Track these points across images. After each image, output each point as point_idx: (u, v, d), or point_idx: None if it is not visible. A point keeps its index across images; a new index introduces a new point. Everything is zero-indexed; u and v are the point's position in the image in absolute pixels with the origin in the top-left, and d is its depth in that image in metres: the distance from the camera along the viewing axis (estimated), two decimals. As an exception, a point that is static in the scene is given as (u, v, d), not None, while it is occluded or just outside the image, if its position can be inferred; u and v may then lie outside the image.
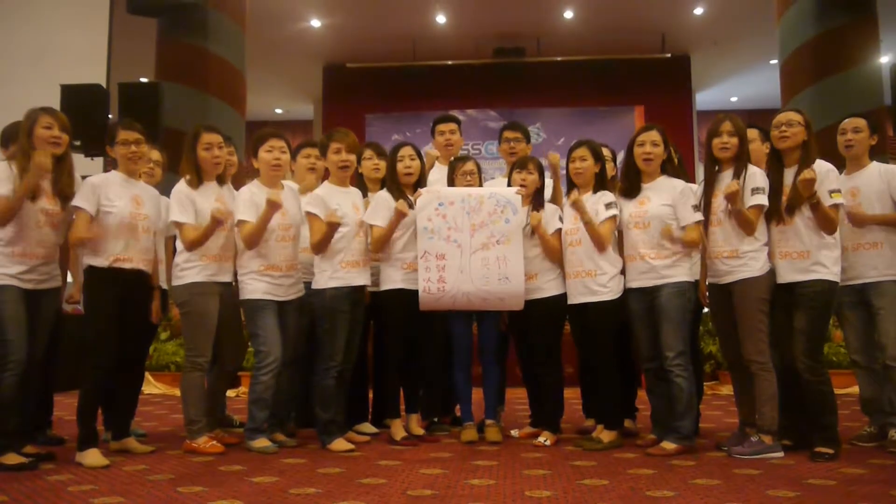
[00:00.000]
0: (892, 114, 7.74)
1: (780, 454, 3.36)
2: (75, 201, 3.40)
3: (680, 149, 4.04)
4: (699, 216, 3.54)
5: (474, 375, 4.02)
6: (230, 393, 5.66)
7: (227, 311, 3.72)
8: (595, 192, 3.75)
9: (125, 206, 3.48)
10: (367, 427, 4.15)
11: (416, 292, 3.77)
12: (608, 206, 3.66)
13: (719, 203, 3.49)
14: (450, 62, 12.46)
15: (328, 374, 3.70)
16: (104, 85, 7.42)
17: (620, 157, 4.47)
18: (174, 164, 3.99)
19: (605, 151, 3.98)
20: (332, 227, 3.63)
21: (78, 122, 5.48)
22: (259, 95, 12.16)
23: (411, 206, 3.83)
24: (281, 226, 3.71)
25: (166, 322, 6.19)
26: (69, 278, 4.02)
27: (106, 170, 4.27)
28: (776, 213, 3.46)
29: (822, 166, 3.45)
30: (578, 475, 3.04)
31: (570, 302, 3.76)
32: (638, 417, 4.20)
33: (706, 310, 3.88)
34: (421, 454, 3.54)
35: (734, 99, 14.63)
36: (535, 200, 3.86)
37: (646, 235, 3.59)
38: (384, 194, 3.88)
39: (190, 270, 3.62)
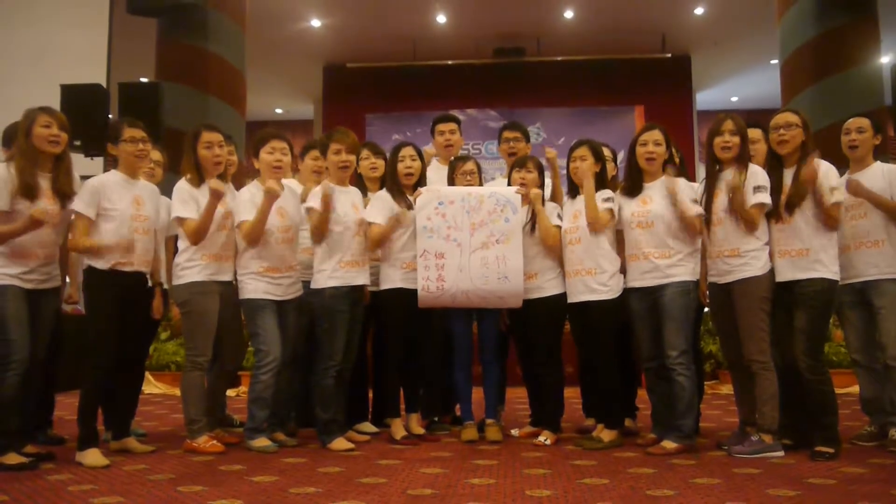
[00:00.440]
0: (892, 114, 7.74)
1: (781, 453, 3.36)
2: (75, 206, 3.39)
3: (680, 149, 4.04)
4: (699, 209, 3.54)
5: (474, 375, 4.02)
6: (230, 392, 5.66)
7: (227, 311, 3.72)
8: (595, 191, 3.74)
9: (126, 209, 3.48)
10: (368, 426, 4.15)
11: (415, 292, 3.77)
12: (605, 200, 3.67)
13: (721, 202, 3.49)
14: (450, 62, 12.46)
15: (328, 373, 3.70)
16: (104, 85, 7.42)
17: (621, 156, 4.48)
18: (174, 163, 3.99)
19: (606, 151, 3.98)
20: (327, 199, 3.61)
21: (78, 122, 5.49)
22: (259, 95, 12.16)
23: (411, 206, 3.83)
24: (280, 226, 3.71)
25: (166, 322, 6.19)
26: (67, 278, 4.02)
27: (106, 169, 4.27)
28: (776, 211, 3.46)
29: (821, 165, 3.45)
30: (579, 474, 3.04)
31: (569, 301, 3.76)
32: (638, 417, 4.20)
33: (707, 309, 3.88)
34: (421, 453, 3.54)
35: (735, 99, 14.62)
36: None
37: (649, 235, 3.59)
38: (384, 194, 3.88)
39: (190, 270, 3.62)
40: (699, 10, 11.12)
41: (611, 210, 3.66)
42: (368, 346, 4.25)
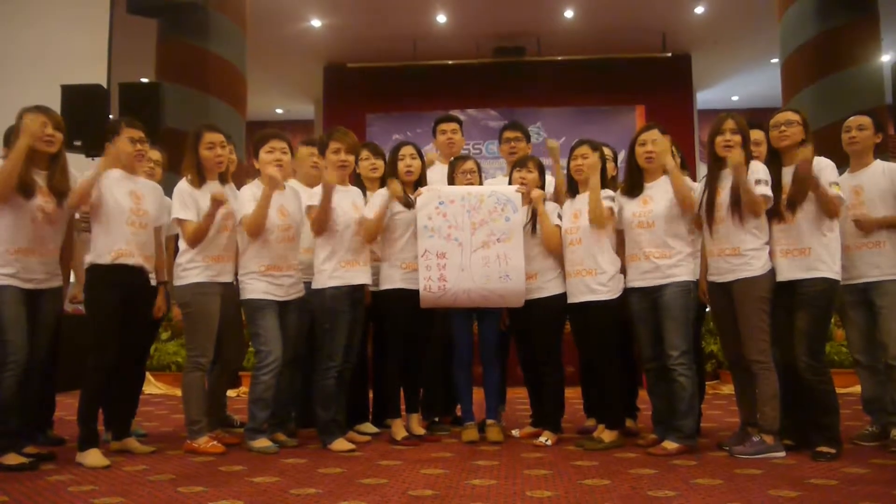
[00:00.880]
0: (893, 112, 7.73)
1: (782, 454, 3.35)
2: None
3: (681, 148, 4.04)
4: (696, 193, 3.55)
5: (475, 375, 4.01)
6: (231, 393, 5.65)
7: (228, 311, 3.72)
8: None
9: (125, 202, 3.48)
10: (368, 427, 4.14)
11: (415, 292, 3.77)
12: (605, 199, 3.67)
13: (722, 200, 3.49)
14: (450, 62, 12.45)
15: (328, 373, 3.70)
16: (105, 85, 7.42)
17: (621, 156, 4.47)
18: (174, 164, 3.99)
19: (606, 151, 3.98)
20: (329, 188, 3.62)
21: (78, 123, 5.51)
22: (259, 95, 12.15)
23: (411, 205, 3.83)
24: (281, 225, 3.71)
25: (167, 322, 6.19)
26: (72, 277, 4.02)
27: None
28: (777, 210, 3.46)
29: (820, 161, 3.44)
30: (580, 475, 3.04)
31: (570, 301, 3.75)
32: (639, 417, 4.19)
33: (708, 308, 3.87)
34: (422, 454, 3.54)
35: (735, 98, 14.62)
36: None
37: (650, 234, 3.59)
38: (384, 191, 3.87)
39: (192, 271, 3.62)
40: (699, 10, 11.11)
41: (611, 209, 3.66)
42: (369, 346, 4.25)
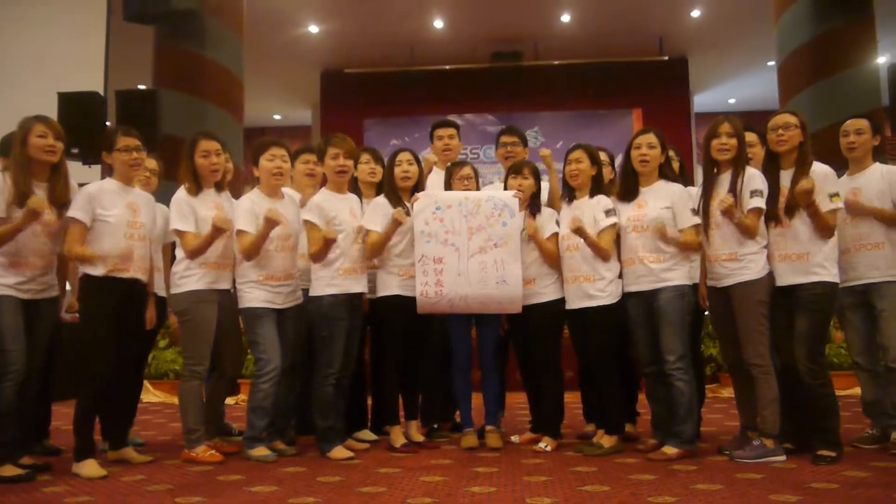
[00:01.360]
0: (890, 114, 7.74)
1: (783, 458, 3.34)
2: (70, 212, 3.37)
3: (679, 151, 4.03)
4: (697, 220, 3.54)
5: (474, 381, 4.00)
6: (229, 401, 5.63)
7: (225, 319, 3.71)
8: (592, 195, 3.74)
9: (121, 215, 3.47)
10: (367, 434, 4.13)
11: (412, 299, 3.76)
12: (608, 213, 3.64)
13: (718, 205, 3.48)
14: (448, 67, 12.47)
15: (327, 381, 3.68)
16: (102, 92, 7.42)
17: (619, 160, 4.47)
18: (171, 171, 3.98)
19: (603, 155, 3.97)
20: (329, 242, 3.62)
21: (75, 130, 5.49)
22: (257, 102, 12.15)
23: (408, 213, 3.82)
24: (280, 236, 3.69)
25: (165, 330, 6.17)
26: (68, 286, 4.00)
27: (103, 177, 4.26)
28: (774, 215, 3.45)
29: (819, 169, 3.44)
30: (579, 481, 3.02)
31: (568, 307, 3.74)
32: (638, 422, 4.18)
33: (707, 313, 3.87)
34: (421, 461, 3.52)
35: (732, 101, 14.64)
36: (532, 205, 3.86)
37: (644, 239, 3.58)
38: (381, 200, 3.86)
39: (189, 278, 3.60)
40: (696, 13, 11.14)
41: (614, 225, 3.64)
42: (366, 353, 4.23)
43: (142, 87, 8.83)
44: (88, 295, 3.43)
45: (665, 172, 3.69)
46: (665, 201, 3.58)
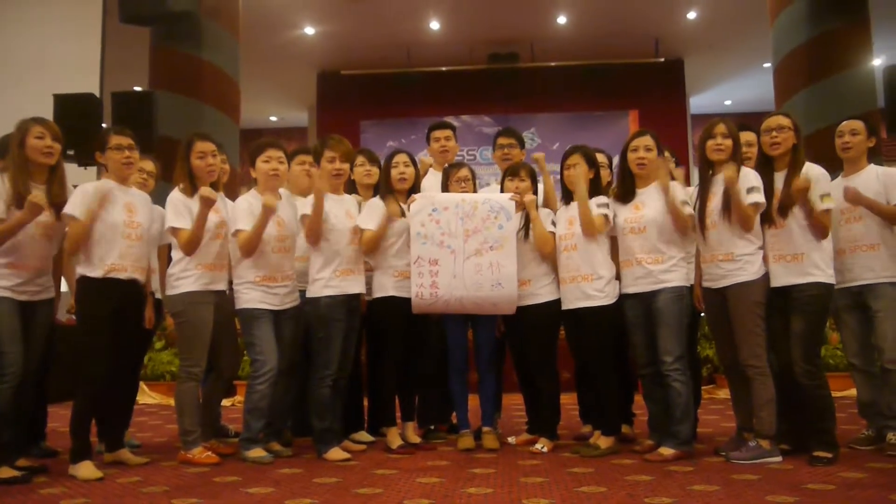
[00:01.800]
0: (885, 116, 7.76)
1: (779, 459, 3.35)
2: (66, 209, 3.37)
3: (675, 153, 4.04)
4: (689, 210, 3.54)
5: (471, 382, 4.00)
6: (226, 402, 5.63)
7: (222, 320, 3.70)
8: (590, 197, 3.74)
9: (118, 214, 3.47)
10: (364, 436, 4.12)
11: (408, 300, 3.77)
12: (600, 206, 3.66)
13: (713, 206, 3.49)
14: (444, 68, 12.46)
15: (324, 382, 3.68)
16: (97, 94, 7.40)
17: (616, 161, 4.48)
18: (168, 172, 3.97)
19: (601, 157, 3.97)
20: (319, 197, 3.61)
21: (71, 132, 5.46)
22: (253, 103, 12.15)
23: (404, 213, 3.82)
24: (277, 236, 3.69)
25: (161, 331, 6.16)
26: (65, 288, 4.00)
27: (99, 178, 4.26)
28: (768, 216, 3.46)
29: (812, 170, 3.45)
30: (576, 482, 3.03)
31: (565, 307, 3.74)
32: (635, 423, 4.18)
33: (703, 314, 3.87)
34: (418, 463, 3.52)
35: (728, 102, 14.67)
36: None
37: (643, 240, 3.58)
38: (377, 201, 3.87)
39: (185, 280, 3.59)
40: (692, 15, 11.16)
41: (605, 216, 3.66)
42: (363, 354, 4.23)
43: (138, 88, 8.83)
44: (86, 297, 3.42)
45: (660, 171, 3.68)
46: (662, 202, 3.57)
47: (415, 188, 3.99)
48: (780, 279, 3.43)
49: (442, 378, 4.09)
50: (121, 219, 3.47)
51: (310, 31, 11.38)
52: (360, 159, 4.07)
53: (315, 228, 3.67)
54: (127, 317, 3.51)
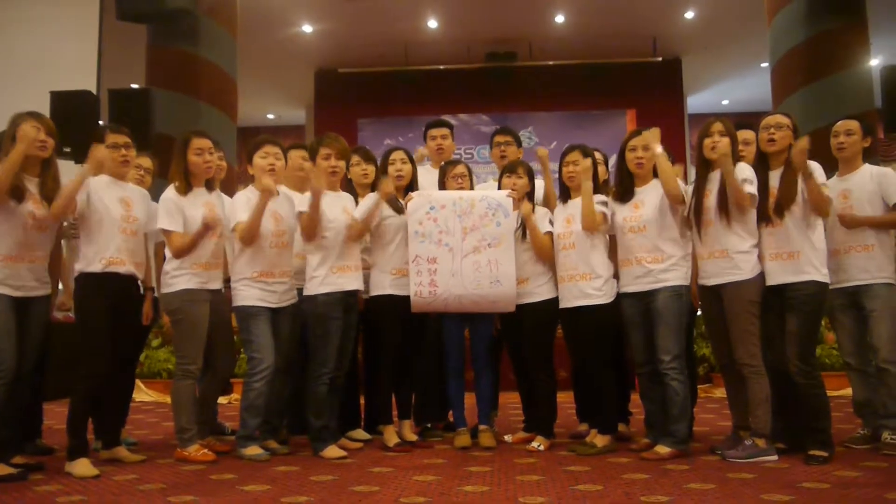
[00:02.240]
0: (882, 116, 7.78)
1: (775, 457, 3.35)
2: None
3: (672, 152, 4.04)
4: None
5: (467, 380, 4.00)
6: (222, 400, 5.63)
7: (217, 318, 3.70)
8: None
9: (115, 209, 3.47)
10: (360, 433, 4.12)
11: (406, 298, 3.77)
12: (599, 203, 3.66)
13: (710, 203, 3.50)
14: (442, 67, 12.47)
15: (321, 380, 3.68)
16: (94, 91, 7.38)
17: (612, 160, 4.48)
18: (164, 170, 3.97)
19: (598, 155, 3.98)
20: (316, 193, 3.61)
21: (68, 129, 5.47)
22: (251, 101, 12.13)
23: (401, 211, 3.82)
24: (274, 231, 3.70)
25: (157, 329, 6.15)
26: (60, 285, 3.99)
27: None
28: (764, 214, 3.47)
29: (808, 164, 3.45)
30: (572, 480, 3.03)
31: (563, 306, 3.75)
32: (632, 421, 4.19)
33: (699, 313, 3.88)
34: (414, 461, 3.52)
35: (725, 102, 14.69)
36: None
37: (642, 239, 3.59)
38: (375, 195, 3.86)
39: (180, 278, 3.59)
40: (689, 14, 11.17)
41: (605, 213, 3.66)
42: (359, 352, 4.23)
43: (135, 86, 8.80)
44: (84, 293, 3.42)
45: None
46: (661, 201, 3.58)
47: (412, 186, 3.99)
48: (775, 277, 3.44)
49: (439, 376, 4.09)
50: (118, 213, 3.47)
51: (307, 29, 11.37)
52: (355, 158, 4.07)
53: (312, 225, 3.67)
54: (124, 311, 3.51)
